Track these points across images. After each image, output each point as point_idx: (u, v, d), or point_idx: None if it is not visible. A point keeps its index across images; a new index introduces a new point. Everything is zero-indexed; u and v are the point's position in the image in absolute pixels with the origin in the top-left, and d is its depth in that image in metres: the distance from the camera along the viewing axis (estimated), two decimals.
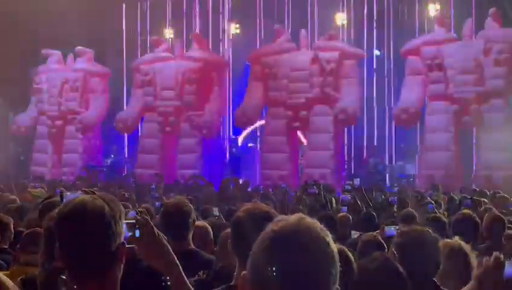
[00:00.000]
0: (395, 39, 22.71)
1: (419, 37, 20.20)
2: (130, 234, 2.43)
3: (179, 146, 22.11)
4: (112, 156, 23.68)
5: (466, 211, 6.22)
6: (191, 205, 4.29)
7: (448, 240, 3.78)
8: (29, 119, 24.29)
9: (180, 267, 2.58)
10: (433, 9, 20.87)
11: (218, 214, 7.94)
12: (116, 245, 2.25)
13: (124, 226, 2.36)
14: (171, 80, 21.84)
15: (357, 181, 12.65)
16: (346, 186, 12.29)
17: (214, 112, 21.55)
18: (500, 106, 17.96)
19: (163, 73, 22.07)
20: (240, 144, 23.80)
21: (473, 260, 3.76)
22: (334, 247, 1.72)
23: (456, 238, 4.01)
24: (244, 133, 23.78)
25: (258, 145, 23.52)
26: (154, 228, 2.59)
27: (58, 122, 23.74)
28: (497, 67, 17.97)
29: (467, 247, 3.83)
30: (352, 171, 21.73)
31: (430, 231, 3.51)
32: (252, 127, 23.45)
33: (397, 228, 5.48)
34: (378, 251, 3.96)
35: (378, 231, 5.83)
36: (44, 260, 3.38)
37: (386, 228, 5.52)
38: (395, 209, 9.11)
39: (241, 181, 16.30)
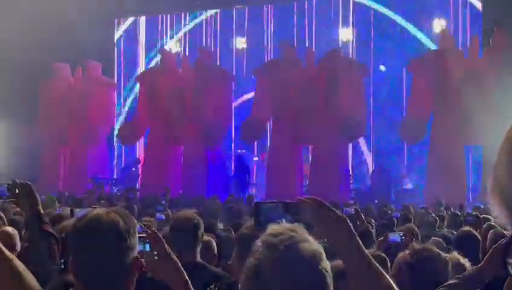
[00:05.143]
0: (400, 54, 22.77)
1: (425, 51, 20.25)
2: (140, 248, 2.45)
3: (184, 158, 22.14)
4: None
5: (467, 228, 6.24)
6: (199, 218, 4.34)
7: (447, 255, 3.81)
8: (38, 131, 24.36)
9: (189, 281, 2.60)
10: (438, 25, 21.00)
11: (222, 227, 7.97)
12: (130, 259, 2.27)
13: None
14: (176, 91, 21.90)
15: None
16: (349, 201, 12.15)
17: (218, 122, 21.53)
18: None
19: (169, 85, 22.15)
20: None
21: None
22: (324, 264, 1.67)
23: (455, 253, 4.03)
24: None
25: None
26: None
27: (66, 134, 23.81)
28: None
29: (465, 261, 3.86)
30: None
31: (440, 252, 3.49)
32: None
33: (401, 235, 5.43)
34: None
35: (380, 239, 5.72)
36: None
37: (390, 235, 5.45)
38: (396, 225, 9.06)
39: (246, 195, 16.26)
